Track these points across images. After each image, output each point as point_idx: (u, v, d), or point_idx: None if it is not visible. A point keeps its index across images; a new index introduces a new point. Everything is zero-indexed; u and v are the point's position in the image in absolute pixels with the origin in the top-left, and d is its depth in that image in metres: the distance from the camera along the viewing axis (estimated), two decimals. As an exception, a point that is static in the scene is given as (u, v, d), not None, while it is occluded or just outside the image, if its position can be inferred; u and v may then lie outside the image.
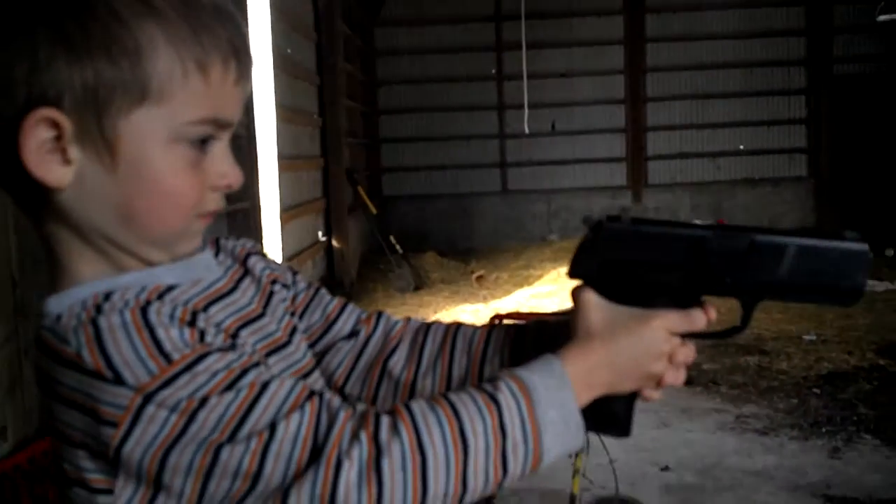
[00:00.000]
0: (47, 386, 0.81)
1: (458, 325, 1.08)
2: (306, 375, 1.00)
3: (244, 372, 0.79)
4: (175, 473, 0.77)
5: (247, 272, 1.00)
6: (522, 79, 10.64)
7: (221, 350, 0.80)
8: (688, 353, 0.92)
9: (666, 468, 4.26)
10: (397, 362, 1.06)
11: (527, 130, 10.76)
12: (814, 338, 6.53)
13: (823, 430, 4.70)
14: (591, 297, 0.92)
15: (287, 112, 7.54)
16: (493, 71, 12.45)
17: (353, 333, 1.07)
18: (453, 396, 0.82)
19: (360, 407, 0.82)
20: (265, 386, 0.79)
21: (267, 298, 1.00)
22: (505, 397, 0.81)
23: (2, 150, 0.81)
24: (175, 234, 0.88)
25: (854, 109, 11.28)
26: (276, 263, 1.06)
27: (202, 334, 0.81)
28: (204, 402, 0.76)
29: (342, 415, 0.79)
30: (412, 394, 1.05)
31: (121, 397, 0.76)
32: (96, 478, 0.81)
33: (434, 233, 12.03)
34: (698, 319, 0.91)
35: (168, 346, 0.77)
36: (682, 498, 3.93)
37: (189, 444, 0.76)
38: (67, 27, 0.79)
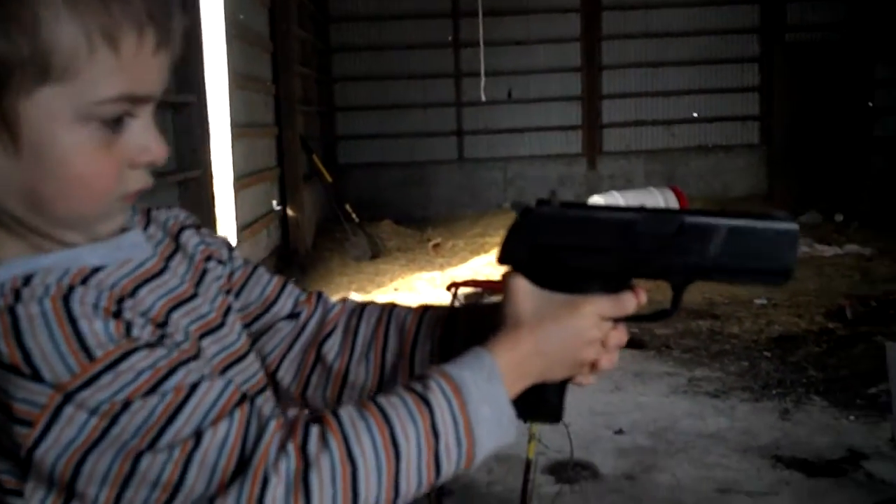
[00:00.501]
0: None
1: (391, 308, 1.06)
2: (241, 358, 0.96)
3: (171, 372, 0.74)
4: (90, 481, 0.72)
5: (178, 248, 0.95)
6: (479, 46, 10.58)
7: (149, 346, 0.75)
8: (620, 336, 0.92)
9: (620, 431, 4.32)
10: (331, 348, 1.03)
11: (483, 98, 10.72)
12: (764, 302, 6.64)
13: (774, 392, 4.79)
14: (521, 284, 0.90)
15: (240, 79, 7.43)
16: (450, 38, 12.37)
17: (294, 315, 1.04)
18: (383, 400, 0.79)
19: (291, 413, 0.79)
20: (193, 388, 0.75)
21: (199, 277, 0.95)
22: (436, 397, 0.79)
23: None
24: (91, 218, 0.81)
25: (806, 77, 11.40)
26: (211, 237, 1.01)
27: (129, 327, 0.76)
28: (127, 405, 0.72)
29: (272, 424, 0.76)
30: (344, 383, 1.03)
31: (38, 395, 0.71)
32: (5, 478, 0.75)
33: (390, 201, 11.98)
34: (628, 303, 0.91)
35: (91, 342, 0.72)
36: (635, 460, 3.99)
37: (107, 451, 0.71)
38: None
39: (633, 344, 5.57)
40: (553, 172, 12.43)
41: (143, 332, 0.77)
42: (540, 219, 0.93)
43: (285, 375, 1.04)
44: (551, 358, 0.87)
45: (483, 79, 10.52)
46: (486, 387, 0.81)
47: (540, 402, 0.91)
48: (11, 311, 0.72)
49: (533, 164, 12.48)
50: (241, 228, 7.35)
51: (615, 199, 9.42)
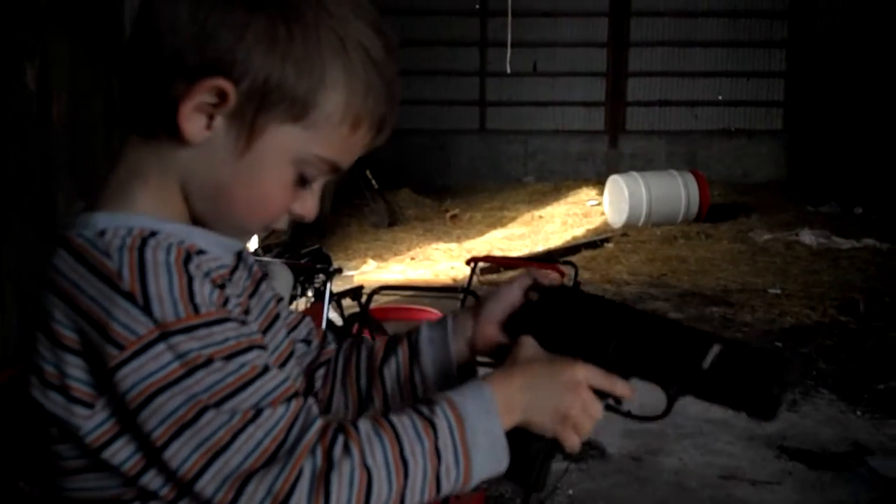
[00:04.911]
0: (57, 283, 0.85)
1: (362, 339, 1.19)
2: (287, 359, 1.08)
3: (249, 348, 0.85)
4: (153, 416, 0.81)
5: (255, 292, 1.06)
6: (507, 16, 10.54)
7: (239, 321, 0.87)
8: (599, 408, 0.98)
9: (629, 414, 4.36)
10: (318, 377, 1.16)
11: (508, 69, 10.69)
12: (778, 291, 6.66)
13: (782, 382, 4.82)
14: (528, 339, 1.02)
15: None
16: (477, 6, 12.31)
17: (307, 340, 1.17)
18: (395, 419, 0.89)
19: (328, 418, 0.89)
20: (264, 370, 0.85)
21: (270, 322, 1.07)
22: (440, 422, 0.90)
23: (164, 87, 0.86)
24: (245, 229, 0.95)
25: (834, 65, 11.29)
26: (274, 290, 1.14)
27: (227, 300, 0.87)
28: (208, 362, 0.82)
29: (317, 424, 0.85)
30: (328, 410, 1.15)
31: (139, 325, 0.81)
32: (79, 387, 0.84)
33: (410, 168, 11.98)
34: (620, 387, 0.99)
35: (199, 299, 0.83)
36: (642, 443, 4.06)
37: (179, 394, 0.81)
38: (278, 27, 0.85)
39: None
40: (574, 148, 12.42)
41: (236, 310, 0.89)
42: (556, 308, 1.03)
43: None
44: (537, 396, 0.95)
45: (509, 49, 10.49)
46: (484, 419, 0.91)
47: (525, 463, 0.96)
48: (140, 251, 0.83)
49: (555, 138, 12.46)
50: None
51: (635, 180, 9.42)
